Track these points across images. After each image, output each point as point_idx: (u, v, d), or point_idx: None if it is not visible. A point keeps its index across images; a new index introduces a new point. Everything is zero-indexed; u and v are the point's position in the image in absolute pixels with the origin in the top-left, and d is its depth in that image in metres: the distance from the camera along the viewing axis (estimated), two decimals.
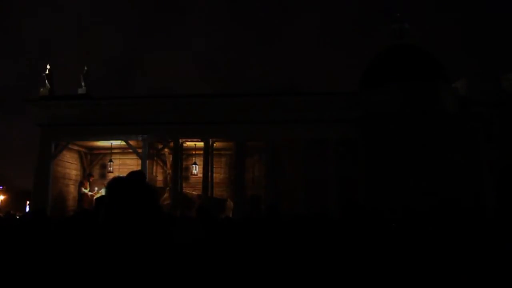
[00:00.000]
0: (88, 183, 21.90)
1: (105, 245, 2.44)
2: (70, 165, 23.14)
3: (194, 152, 22.84)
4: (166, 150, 23.37)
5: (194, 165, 22.44)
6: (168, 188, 22.13)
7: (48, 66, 22.51)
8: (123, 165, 22.93)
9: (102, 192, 17.76)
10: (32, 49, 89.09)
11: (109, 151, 22.57)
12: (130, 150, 21.91)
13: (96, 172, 23.70)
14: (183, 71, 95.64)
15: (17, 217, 10.12)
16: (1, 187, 37.22)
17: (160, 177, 24.17)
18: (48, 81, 22.20)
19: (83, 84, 23.29)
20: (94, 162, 24.33)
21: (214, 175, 21.82)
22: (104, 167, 23.41)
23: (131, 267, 2.36)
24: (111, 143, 22.17)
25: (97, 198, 7.37)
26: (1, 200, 35.34)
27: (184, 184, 22.04)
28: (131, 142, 21.57)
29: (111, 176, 20.01)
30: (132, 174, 2.84)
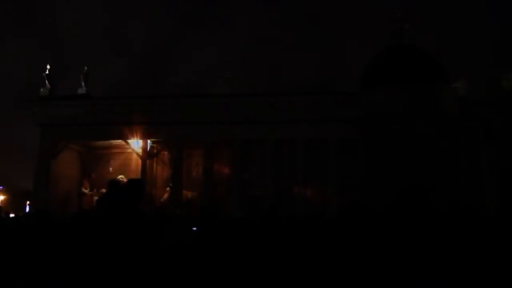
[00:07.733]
0: (88, 183, 21.89)
1: (96, 243, 2.50)
2: (70, 165, 23.11)
3: (194, 153, 22.79)
4: (166, 150, 23.35)
5: (194, 166, 22.41)
6: (168, 188, 22.11)
7: (48, 66, 22.53)
8: (123, 165, 22.93)
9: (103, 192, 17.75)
10: (56, 48, 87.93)
11: (109, 151, 22.55)
12: (130, 150, 21.90)
13: (96, 172, 23.67)
14: (216, 69, 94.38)
15: (13, 215, 10.14)
16: (1, 187, 37.18)
17: (160, 177, 24.13)
18: (48, 81, 22.20)
19: (83, 84, 23.30)
20: (94, 162, 24.30)
21: (214, 175, 21.79)
22: (104, 167, 23.39)
23: (120, 265, 2.39)
24: (111, 143, 22.15)
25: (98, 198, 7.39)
26: (1, 200, 35.29)
27: (184, 184, 22.00)
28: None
29: (111, 176, 20.02)
30: (129, 180, 3.00)
